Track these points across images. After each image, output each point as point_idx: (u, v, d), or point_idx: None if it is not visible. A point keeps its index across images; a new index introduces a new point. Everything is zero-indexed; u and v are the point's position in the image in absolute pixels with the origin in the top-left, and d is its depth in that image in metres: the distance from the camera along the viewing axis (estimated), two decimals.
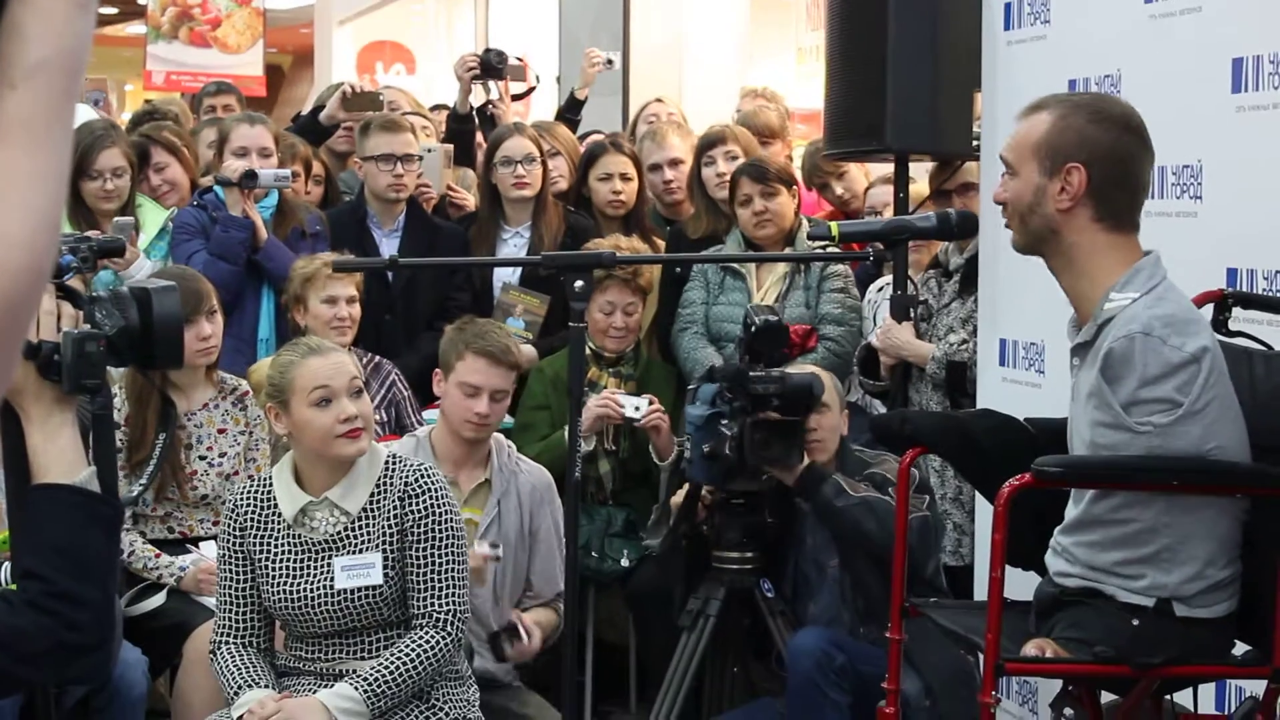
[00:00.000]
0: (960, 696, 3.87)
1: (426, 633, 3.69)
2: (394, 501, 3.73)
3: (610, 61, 7.16)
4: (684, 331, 5.36)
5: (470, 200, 6.16)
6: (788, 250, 5.27)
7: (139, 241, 5.36)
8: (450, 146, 6.32)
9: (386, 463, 3.78)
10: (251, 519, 3.79)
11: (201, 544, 4.58)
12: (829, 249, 4.50)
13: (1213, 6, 3.65)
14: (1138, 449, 2.92)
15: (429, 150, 5.95)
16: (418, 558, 3.71)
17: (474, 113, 6.66)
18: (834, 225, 4.34)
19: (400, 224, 5.70)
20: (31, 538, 2.07)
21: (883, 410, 4.87)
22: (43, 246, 1.13)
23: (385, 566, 3.70)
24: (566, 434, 3.80)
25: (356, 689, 3.62)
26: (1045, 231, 3.07)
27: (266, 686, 3.70)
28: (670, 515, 4.39)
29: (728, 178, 5.40)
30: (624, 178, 5.80)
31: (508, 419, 4.93)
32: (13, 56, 1.14)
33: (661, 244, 5.72)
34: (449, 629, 3.70)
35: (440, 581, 3.71)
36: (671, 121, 6.44)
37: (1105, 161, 3.03)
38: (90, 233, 4.22)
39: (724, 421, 4.15)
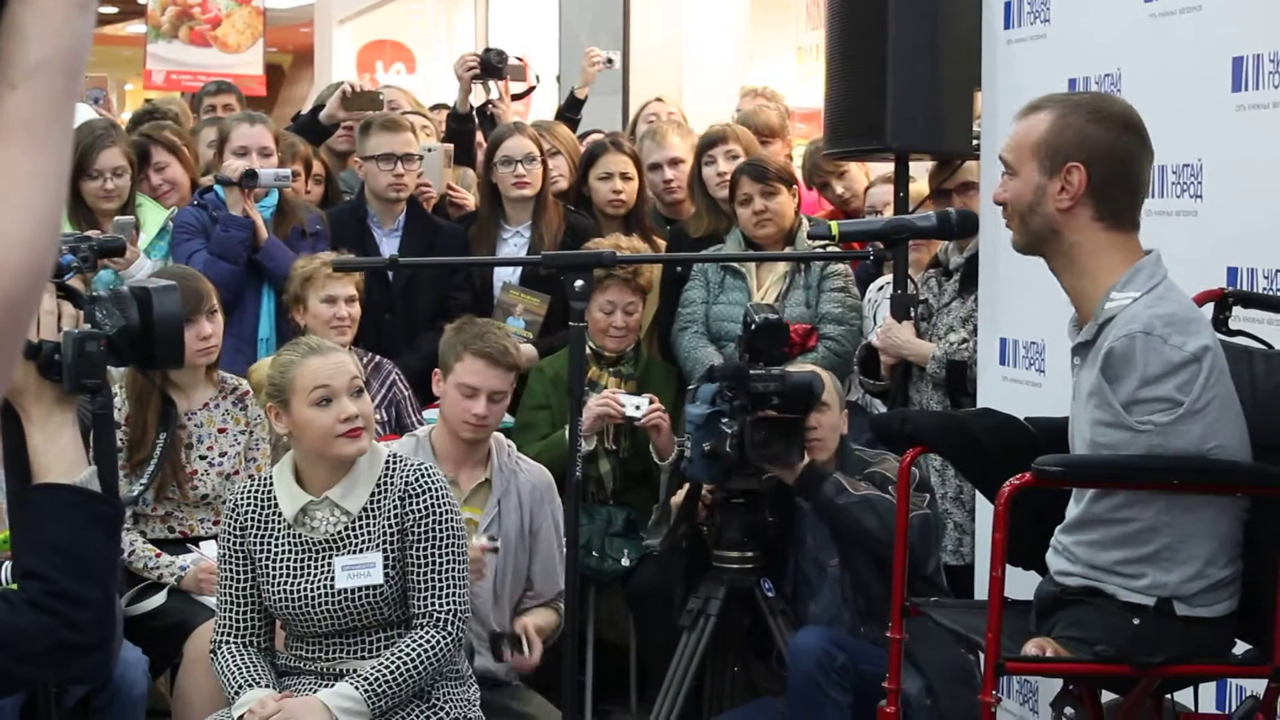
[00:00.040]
0: (961, 695, 3.87)
1: (427, 632, 3.69)
2: (394, 501, 3.73)
3: (610, 61, 7.16)
4: (684, 331, 5.36)
5: (470, 200, 6.16)
6: (788, 250, 5.27)
7: (139, 241, 5.36)
8: (450, 146, 6.32)
9: (387, 462, 3.78)
10: (252, 519, 3.79)
11: (202, 543, 4.58)
12: (829, 248, 4.50)
13: (1213, 5, 3.65)
14: (1138, 448, 2.92)
15: (429, 150, 5.95)
16: (418, 557, 3.71)
17: (474, 112, 6.66)
18: (834, 224, 4.34)
19: (400, 223, 5.70)
20: (32, 537, 2.07)
21: (883, 410, 4.87)
22: (43, 246, 1.13)
23: (386, 566, 3.70)
24: (567, 433, 3.80)
25: (357, 688, 3.62)
26: (1046, 231, 3.07)
27: (267, 686, 3.70)
28: (671, 515, 4.39)
29: (728, 177, 5.40)
30: (624, 177, 5.80)
31: (508, 418, 4.93)
32: (12, 56, 1.14)
33: (662, 243, 5.72)
34: (449, 629, 3.70)
35: (441, 581, 3.71)
36: (671, 121, 6.43)
37: (1105, 161, 3.03)
38: (90, 232, 4.22)
39: (724, 420, 4.15)
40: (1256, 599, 3.00)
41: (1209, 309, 3.24)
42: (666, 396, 5.19)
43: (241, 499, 3.83)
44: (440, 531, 3.72)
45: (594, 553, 5.12)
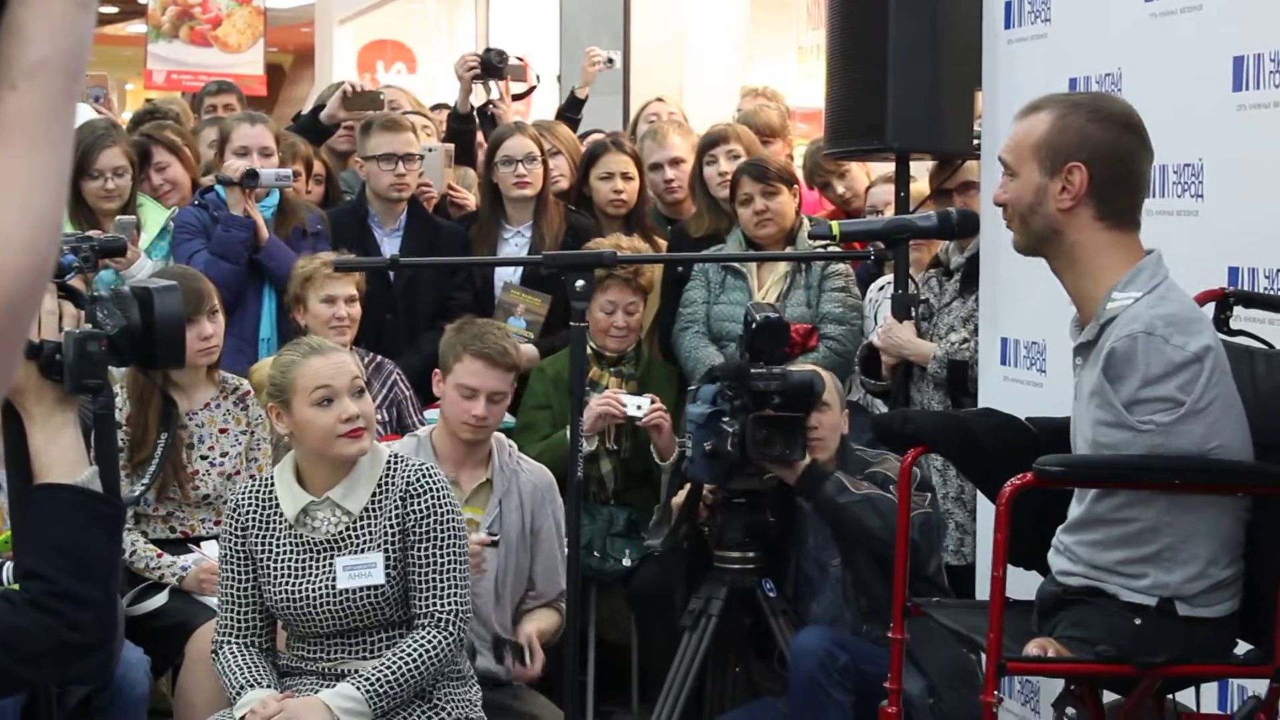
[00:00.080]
0: (963, 695, 3.87)
1: (428, 632, 3.69)
2: (395, 501, 3.73)
3: (611, 60, 7.16)
4: (685, 331, 5.36)
5: (471, 200, 6.16)
6: (789, 249, 5.27)
7: (140, 241, 5.36)
8: (451, 146, 6.32)
9: (388, 462, 3.78)
10: (253, 519, 3.79)
11: (203, 544, 4.58)
12: (830, 248, 4.50)
13: (1213, 5, 3.65)
14: (1140, 448, 2.92)
15: (430, 149, 5.95)
16: (419, 557, 3.71)
17: (474, 112, 6.67)
18: (835, 224, 4.34)
19: (401, 223, 5.70)
20: (33, 537, 2.07)
21: (884, 410, 4.87)
22: (44, 247, 1.13)
23: (387, 566, 3.70)
24: (568, 433, 3.80)
25: (358, 689, 3.62)
26: (1047, 232, 3.07)
27: (268, 686, 3.70)
28: (672, 515, 4.39)
29: (730, 177, 5.40)
30: (625, 177, 5.80)
31: (509, 418, 4.93)
32: (13, 57, 1.14)
33: (662, 243, 5.72)
34: (451, 629, 3.70)
35: (442, 581, 3.71)
36: (672, 121, 6.43)
37: (1106, 160, 3.03)
38: (92, 232, 4.22)
39: (725, 419, 4.15)
40: (1258, 599, 3.00)
41: (1210, 309, 3.24)
42: (668, 396, 5.19)
43: (243, 499, 3.83)
44: (441, 532, 3.72)
45: (595, 553, 5.12)
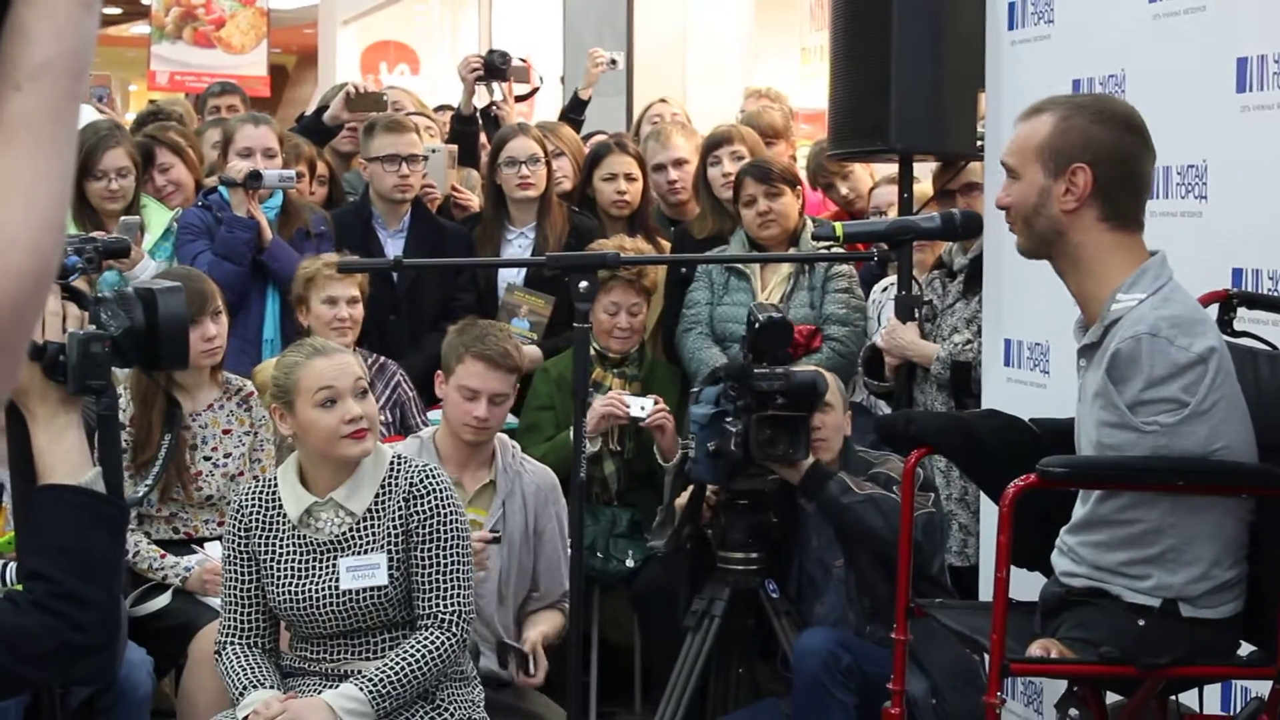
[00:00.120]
0: (966, 696, 3.87)
1: (431, 633, 3.69)
2: (399, 502, 3.73)
3: (614, 61, 7.16)
4: (689, 332, 5.36)
5: (475, 201, 6.17)
6: (792, 250, 5.27)
7: (144, 242, 5.36)
8: (454, 147, 6.32)
9: (391, 463, 3.78)
10: (256, 520, 3.79)
11: (206, 544, 4.58)
12: (833, 249, 4.50)
13: (1217, 6, 3.65)
14: (1144, 449, 2.92)
15: (433, 150, 5.96)
16: (423, 558, 3.71)
17: (478, 114, 6.67)
18: (839, 225, 4.34)
19: (405, 224, 5.70)
20: (37, 538, 2.07)
21: (887, 411, 4.87)
22: (47, 248, 1.13)
23: (390, 567, 3.70)
24: (571, 434, 3.80)
25: (361, 689, 3.62)
26: (1051, 233, 3.07)
27: (271, 687, 3.70)
28: (675, 516, 4.39)
29: (733, 178, 5.40)
30: (628, 178, 5.80)
31: (512, 419, 4.93)
32: (17, 58, 1.14)
33: (666, 244, 5.72)
34: (454, 629, 3.70)
35: (445, 582, 3.71)
36: (676, 122, 6.43)
37: (1109, 161, 3.03)
38: (95, 234, 4.23)
39: (728, 419, 4.15)
40: (1262, 600, 2.99)
41: (1214, 310, 3.23)
42: (671, 397, 5.18)
43: (246, 500, 3.83)
44: (445, 533, 3.72)
45: (598, 554, 5.12)
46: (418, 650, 3.67)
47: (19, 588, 2.07)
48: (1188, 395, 2.89)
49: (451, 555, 3.72)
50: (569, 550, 4.10)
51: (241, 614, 3.80)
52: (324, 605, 3.70)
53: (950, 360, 4.67)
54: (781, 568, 4.35)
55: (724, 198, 5.52)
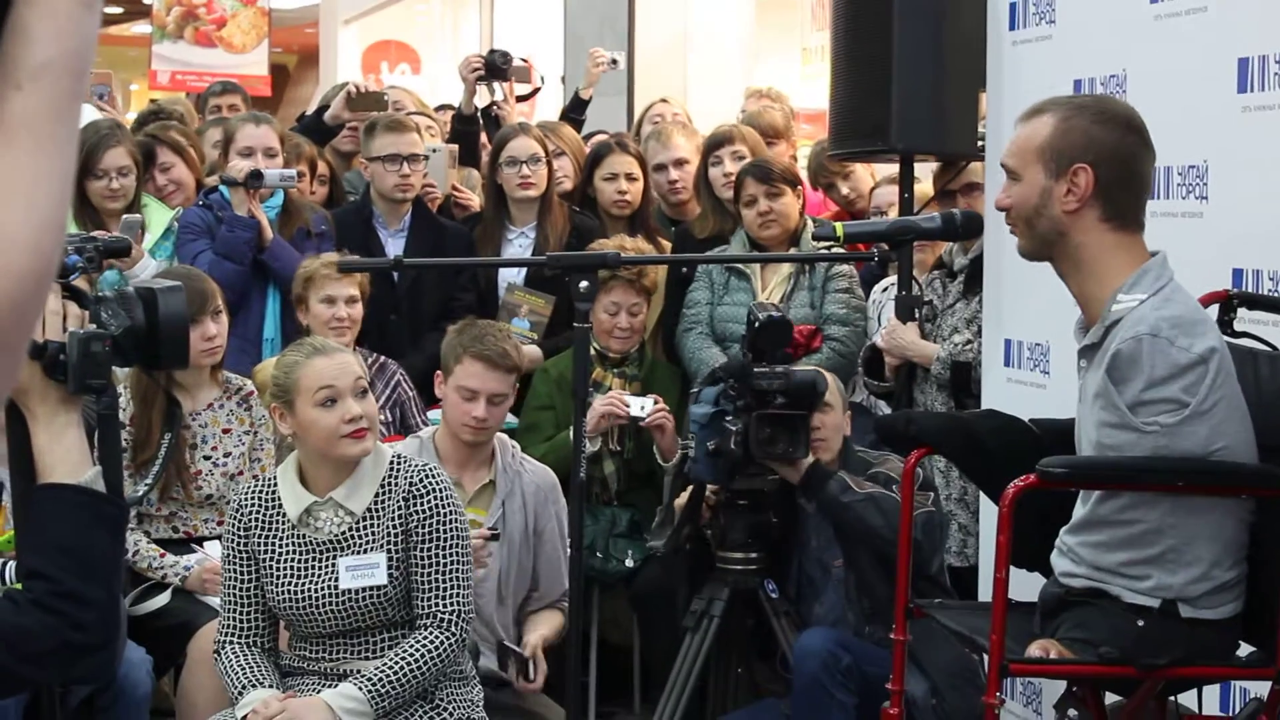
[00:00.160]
0: (966, 695, 3.87)
1: (431, 633, 3.69)
2: (398, 502, 3.73)
3: (615, 61, 7.16)
4: (689, 332, 5.36)
5: (475, 200, 6.17)
6: (792, 251, 5.27)
7: (144, 241, 5.36)
8: (455, 146, 6.32)
9: (391, 463, 3.78)
10: (256, 519, 3.79)
11: (206, 544, 4.58)
12: (834, 249, 4.50)
13: (1218, 6, 3.65)
14: (1144, 449, 2.92)
15: (434, 150, 5.96)
16: (422, 558, 3.71)
17: (479, 114, 6.67)
18: (839, 226, 4.34)
19: (406, 224, 5.70)
20: (37, 537, 2.07)
21: (887, 411, 4.87)
22: (48, 248, 1.13)
23: (390, 566, 3.70)
24: (571, 434, 3.80)
25: (360, 689, 3.62)
26: (1052, 234, 3.07)
27: (271, 686, 3.70)
28: (674, 516, 4.39)
29: (734, 177, 5.40)
30: (629, 178, 5.80)
31: (512, 419, 4.93)
32: (18, 57, 1.14)
33: (666, 244, 5.72)
34: (453, 629, 3.70)
35: (445, 582, 3.71)
36: (676, 121, 6.43)
37: (1111, 162, 3.03)
38: (96, 233, 4.23)
39: (728, 419, 4.15)
40: (1261, 601, 2.99)
41: (1214, 310, 3.24)
42: (671, 397, 5.18)
43: (246, 499, 3.83)
44: (444, 532, 3.72)
45: (598, 554, 5.12)
46: (417, 650, 3.67)
47: (19, 586, 2.07)
48: (1188, 396, 2.89)
49: (451, 555, 3.72)
50: (569, 550, 4.11)
51: (241, 613, 3.80)
52: (323, 605, 3.70)
53: (950, 360, 4.67)
54: (781, 568, 4.36)
55: (725, 198, 5.52)
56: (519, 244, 5.72)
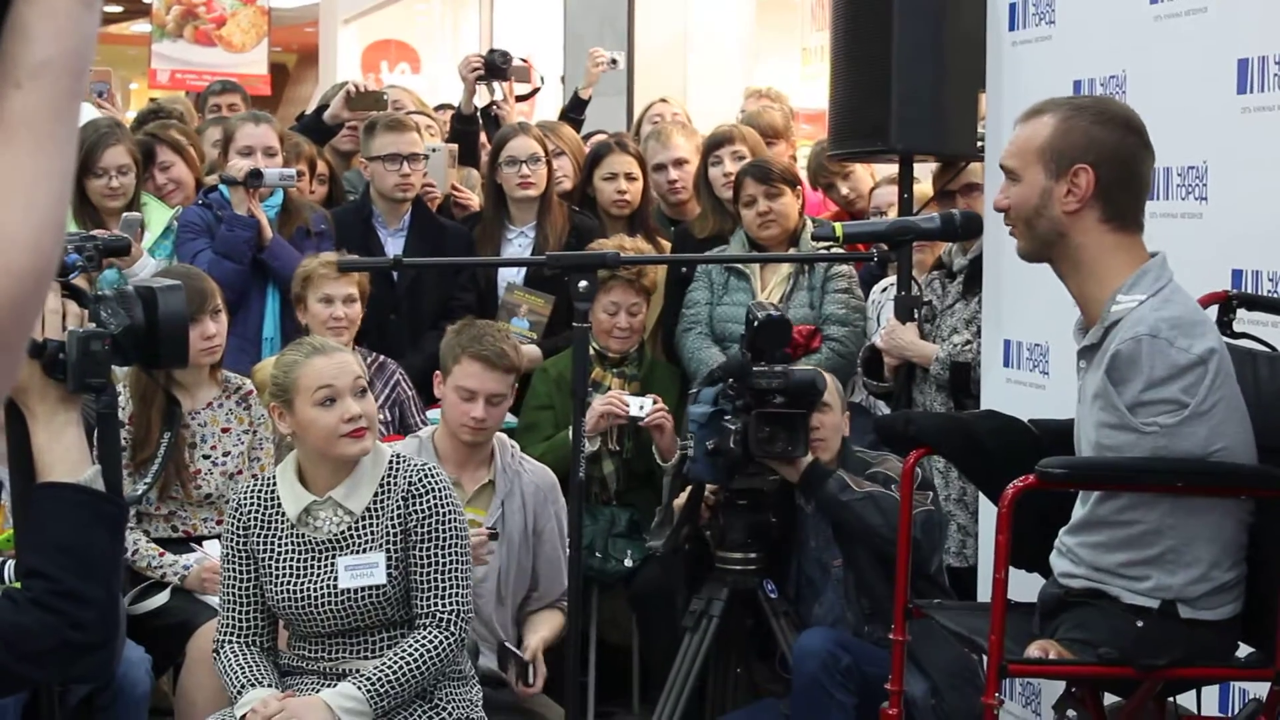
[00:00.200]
0: (966, 695, 3.87)
1: (430, 632, 3.69)
2: (398, 501, 3.73)
3: (615, 61, 7.16)
4: (688, 332, 5.36)
5: (475, 200, 6.17)
6: (792, 251, 5.27)
7: (144, 240, 5.36)
8: (455, 146, 6.32)
9: (390, 462, 3.78)
10: (255, 518, 3.79)
11: (205, 543, 4.58)
12: (833, 249, 4.50)
13: (1218, 7, 3.65)
14: (1143, 450, 2.92)
15: (433, 150, 5.96)
16: (421, 558, 3.71)
17: (478, 113, 6.67)
18: (838, 226, 4.34)
19: (405, 223, 5.70)
20: (36, 536, 2.07)
21: (886, 411, 4.87)
22: (48, 247, 1.13)
23: (389, 566, 3.70)
24: (570, 434, 3.80)
25: (359, 688, 3.62)
26: (1052, 235, 3.07)
27: (270, 686, 3.70)
28: (674, 516, 4.39)
29: (734, 178, 5.40)
30: (629, 177, 5.80)
31: (511, 419, 4.93)
32: (17, 56, 1.14)
33: (666, 244, 5.72)
34: (452, 629, 3.70)
35: (444, 581, 3.71)
36: (676, 121, 6.43)
37: (1111, 162, 3.03)
38: (96, 231, 4.23)
39: (727, 418, 4.15)
40: (1260, 602, 2.99)
41: (1213, 311, 3.24)
42: (670, 397, 5.18)
43: (245, 499, 3.83)
44: (443, 532, 3.72)
45: (597, 554, 5.12)
46: (416, 649, 3.67)
47: (18, 585, 2.07)
48: (1187, 396, 2.89)
49: (450, 554, 3.72)
50: (568, 550, 4.11)
51: (240, 612, 3.80)
52: (322, 604, 3.70)
53: (949, 361, 4.67)
54: (780, 568, 4.35)
55: (724, 198, 5.52)
56: (518, 244, 5.72)
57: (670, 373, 5.42)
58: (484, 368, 4.33)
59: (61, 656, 2.03)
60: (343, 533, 3.73)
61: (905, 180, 4.87)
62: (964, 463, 3.58)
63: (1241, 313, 3.31)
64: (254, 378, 4.81)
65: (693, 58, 9.80)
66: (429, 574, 3.71)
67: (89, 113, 6.38)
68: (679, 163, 5.93)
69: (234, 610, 3.80)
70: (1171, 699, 3.20)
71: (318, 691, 3.67)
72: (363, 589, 3.69)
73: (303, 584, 3.72)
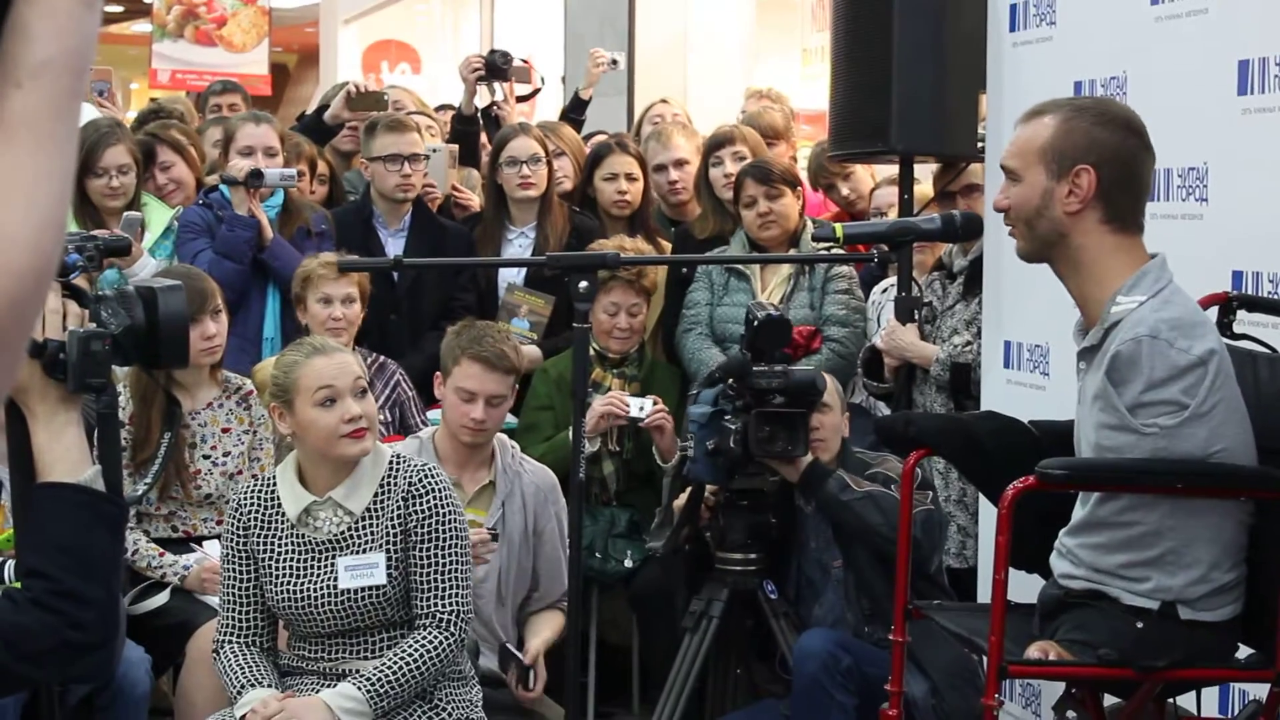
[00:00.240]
0: (966, 695, 3.87)
1: (430, 633, 3.69)
2: (398, 501, 3.73)
3: (615, 62, 7.16)
4: (689, 332, 5.36)
5: (475, 201, 6.17)
6: (792, 251, 5.27)
7: (144, 240, 5.36)
8: (455, 146, 6.32)
9: (390, 463, 3.78)
10: (255, 518, 3.79)
11: (205, 543, 4.58)
12: (834, 250, 4.50)
13: (1219, 8, 3.65)
14: (1143, 451, 2.92)
15: (434, 150, 5.96)
16: (421, 558, 3.71)
17: (479, 114, 6.67)
18: (839, 227, 4.34)
19: (406, 224, 5.70)
20: (36, 536, 2.07)
21: (886, 412, 4.87)
22: (48, 247, 1.13)
23: (389, 566, 3.70)
24: (570, 434, 3.80)
25: (359, 689, 3.62)
26: (1053, 235, 3.07)
27: (269, 686, 3.70)
28: (673, 517, 4.39)
29: (734, 178, 5.40)
30: (629, 178, 5.80)
31: (511, 419, 4.93)
32: (18, 56, 1.14)
33: (666, 245, 5.72)
34: (452, 629, 3.70)
35: (444, 582, 3.71)
36: (676, 122, 6.43)
37: (1112, 163, 3.03)
38: (96, 231, 4.23)
39: (727, 418, 4.15)
40: (1260, 603, 2.99)
41: (1213, 312, 3.24)
42: (670, 398, 5.19)
43: (245, 499, 3.83)
44: (443, 532, 3.72)
45: (597, 554, 5.12)
46: (416, 650, 3.67)
47: (18, 585, 2.07)
48: (1187, 398, 2.89)
49: (450, 555, 3.72)
50: (568, 550, 4.11)
51: (240, 613, 3.80)
52: (322, 604, 3.70)
53: (950, 362, 4.67)
54: (780, 568, 4.35)
55: (725, 198, 5.52)
56: (519, 244, 5.72)
57: (670, 373, 5.42)
58: (484, 369, 4.33)
59: (61, 656, 2.03)
60: (343, 533, 3.73)
61: (905, 181, 4.87)
62: (964, 464, 3.58)
63: (1242, 314, 3.31)
64: (254, 378, 4.81)
65: (693, 58, 9.80)
66: (429, 574, 3.71)
67: (89, 112, 6.38)
68: (679, 163, 5.94)
69: (234, 610, 3.80)
70: (1171, 700, 3.20)
71: (317, 692, 3.67)
72: (363, 589, 3.69)
73: (303, 584, 3.72)
